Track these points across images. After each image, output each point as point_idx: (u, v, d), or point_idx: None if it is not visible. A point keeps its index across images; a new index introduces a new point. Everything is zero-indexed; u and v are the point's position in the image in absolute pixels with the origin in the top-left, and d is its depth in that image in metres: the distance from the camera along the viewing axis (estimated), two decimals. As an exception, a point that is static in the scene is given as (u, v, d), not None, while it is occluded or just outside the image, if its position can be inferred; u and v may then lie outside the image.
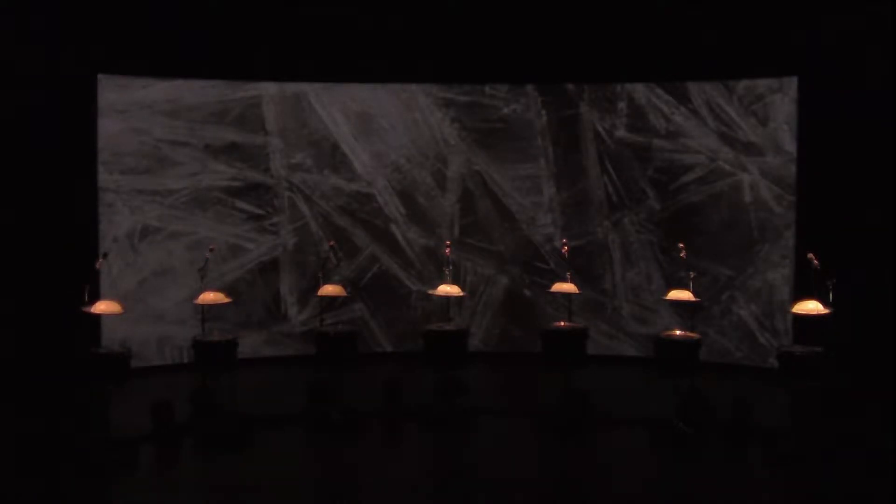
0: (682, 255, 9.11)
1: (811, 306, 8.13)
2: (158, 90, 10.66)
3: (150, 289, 10.64)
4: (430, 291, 9.94)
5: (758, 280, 10.64)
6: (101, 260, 8.82)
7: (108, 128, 10.41)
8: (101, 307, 8.42)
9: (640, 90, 11.10)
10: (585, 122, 11.29)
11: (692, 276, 9.05)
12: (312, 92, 11.22)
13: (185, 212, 10.81)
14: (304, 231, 11.26)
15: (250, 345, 10.77)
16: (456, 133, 11.43)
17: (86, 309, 8.22)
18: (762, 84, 10.56)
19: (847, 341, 9.04)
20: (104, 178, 10.41)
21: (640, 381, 10.25)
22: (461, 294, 9.67)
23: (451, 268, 9.51)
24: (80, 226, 10.13)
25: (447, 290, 9.20)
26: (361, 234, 11.36)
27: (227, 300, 9.17)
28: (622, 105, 11.17)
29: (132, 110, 10.53)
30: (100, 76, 10.32)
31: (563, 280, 9.48)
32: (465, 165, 11.46)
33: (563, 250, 9.52)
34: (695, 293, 8.82)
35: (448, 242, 9.74)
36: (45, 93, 9.83)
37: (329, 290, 9.43)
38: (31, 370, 9.50)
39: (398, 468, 7.97)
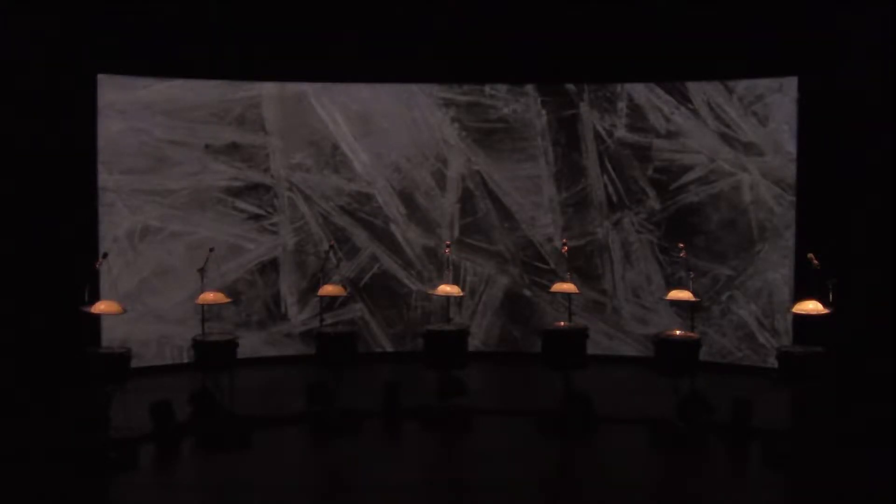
0: (682, 254, 9.12)
1: (811, 306, 8.13)
2: (158, 90, 10.66)
3: (150, 289, 10.64)
4: (430, 291, 9.96)
5: (758, 280, 10.64)
6: (101, 260, 8.83)
7: (108, 128, 10.42)
8: (101, 307, 8.42)
9: (640, 90, 11.10)
10: (585, 122, 11.29)
11: (692, 276, 9.06)
12: (312, 92, 11.22)
13: (185, 212, 10.81)
14: (304, 231, 11.26)
15: (250, 345, 10.78)
16: (456, 133, 11.43)
17: (86, 309, 8.22)
18: (762, 84, 10.56)
19: (847, 341, 9.05)
20: (104, 178, 10.41)
21: (640, 381, 10.24)
22: (461, 294, 9.68)
23: (450, 269, 9.52)
24: (80, 226, 10.14)
25: (447, 290, 9.20)
26: (361, 234, 11.37)
27: (227, 300, 9.18)
28: (622, 105, 11.18)
29: (132, 110, 10.53)
30: (100, 76, 10.32)
31: (563, 280, 9.49)
32: (465, 165, 11.46)
33: (563, 250, 9.52)
34: (695, 293, 8.83)
35: (448, 242, 9.76)
36: (45, 93, 9.84)
37: (329, 290, 9.44)
38: (31, 370, 9.50)
39: (398, 468, 7.97)
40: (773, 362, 8.78)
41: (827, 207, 9.92)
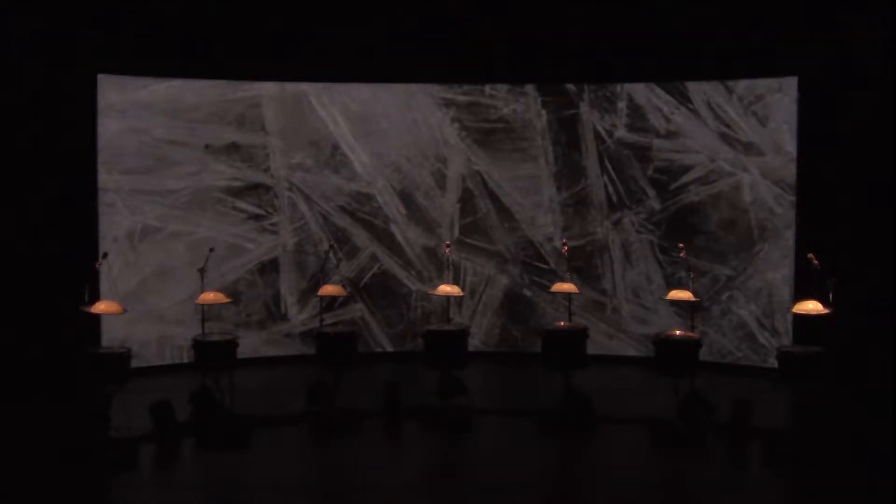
0: (682, 254, 9.12)
1: (811, 306, 8.13)
2: (158, 90, 10.66)
3: (150, 289, 10.64)
4: (430, 291, 9.96)
5: (758, 280, 10.64)
6: (101, 260, 8.83)
7: (108, 128, 10.42)
8: (101, 307, 8.42)
9: (640, 90, 11.10)
10: (585, 122, 11.29)
11: (692, 276, 9.06)
12: (312, 92, 11.22)
13: (185, 212, 10.81)
14: (304, 231, 11.26)
15: (250, 345, 10.78)
16: (456, 133, 11.43)
17: (86, 309, 8.22)
18: (762, 84, 10.56)
19: (847, 341, 9.04)
20: (104, 178, 10.41)
21: (640, 381, 10.24)
22: (461, 294, 9.68)
23: (451, 269, 9.51)
24: (80, 226, 10.14)
25: (447, 290, 9.20)
26: (361, 234, 11.37)
27: (227, 300, 9.18)
28: (622, 105, 11.17)
29: (132, 110, 10.53)
30: (100, 76, 10.32)
31: (563, 280, 9.49)
32: (466, 165, 11.46)
33: (563, 250, 9.53)
34: (695, 293, 8.83)
35: (448, 242, 9.76)
36: (45, 93, 9.84)
37: (329, 290, 9.44)
38: (31, 370, 9.50)
39: (398, 468, 7.97)
40: (773, 362, 8.79)
41: (827, 207, 9.92)
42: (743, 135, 10.68)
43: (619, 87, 11.18)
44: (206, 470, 8.00)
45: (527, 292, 11.48)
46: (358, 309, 11.37)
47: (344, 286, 10.27)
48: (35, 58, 9.82)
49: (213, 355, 8.63)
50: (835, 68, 9.79)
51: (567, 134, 11.34)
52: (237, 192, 11.03)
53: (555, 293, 10.12)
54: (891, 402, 8.82)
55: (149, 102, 10.61)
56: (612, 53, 10.75)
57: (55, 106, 9.89)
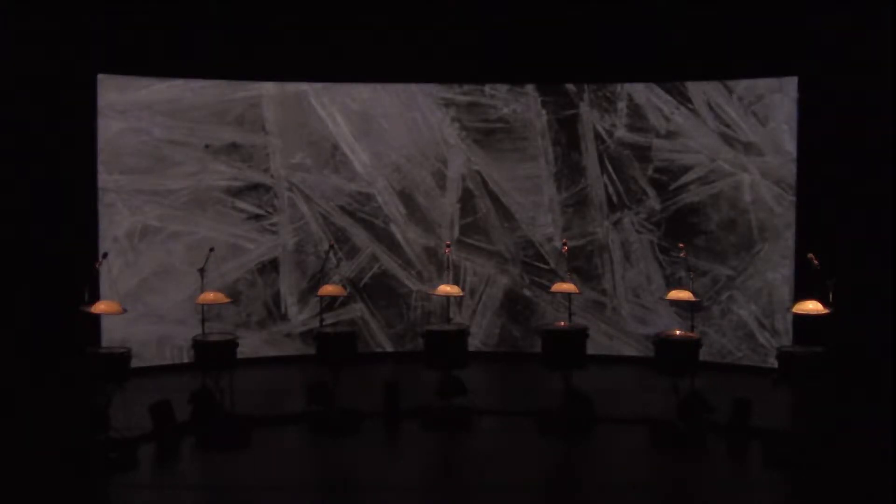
0: (682, 254, 9.13)
1: (811, 306, 8.13)
2: (158, 90, 10.66)
3: (150, 289, 10.64)
4: (430, 291, 9.96)
5: (758, 280, 10.64)
6: (101, 260, 8.83)
7: (108, 128, 10.42)
8: (101, 307, 8.42)
9: (640, 90, 11.10)
10: (585, 122, 11.29)
11: (692, 276, 9.07)
12: (312, 92, 11.22)
13: (185, 212, 10.81)
14: (304, 231, 11.26)
15: (250, 345, 10.78)
16: (456, 133, 11.43)
17: (86, 309, 8.21)
18: (762, 84, 10.56)
19: (847, 341, 9.04)
20: (104, 178, 10.41)
21: (640, 381, 10.24)
22: (461, 294, 9.67)
23: (451, 269, 9.51)
24: (80, 226, 10.14)
25: (447, 290, 9.20)
26: (361, 234, 11.37)
27: (227, 300, 9.18)
28: (622, 105, 11.18)
29: (132, 110, 10.53)
30: (100, 76, 10.32)
31: (563, 280, 9.49)
32: (465, 165, 11.46)
33: (563, 250, 9.53)
34: (695, 293, 8.83)
35: (448, 242, 9.76)
36: (45, 93, 9.84)
37: (329, 290, 9.44)
38: (31, 370, 9.50)
39: (398, 468, 7.97)
40: (773, 362, 8.78)
41: (827, 207, 9.92)
42: (743, 135, 10.68)
43: (619, 87, 11.18)
44: (206, 470, 8.00)
45: (527, 292, 11.48)
46: (358, 309, 11.37)
47: (344, 286, 10.26)
48: (35, 58, 9.82)
49: (213, 355, 8.62)
50: (835, 68, 9.79)
51: (567, 134, 11.34)
52: (237, 192, 11.03)
53: (555, 293, 10.12)
54: (891, 402, 8.82)
55: (149, 102, 10.62)
56: (612, 53, 10.75)
57: (55, 106, 9.89)
